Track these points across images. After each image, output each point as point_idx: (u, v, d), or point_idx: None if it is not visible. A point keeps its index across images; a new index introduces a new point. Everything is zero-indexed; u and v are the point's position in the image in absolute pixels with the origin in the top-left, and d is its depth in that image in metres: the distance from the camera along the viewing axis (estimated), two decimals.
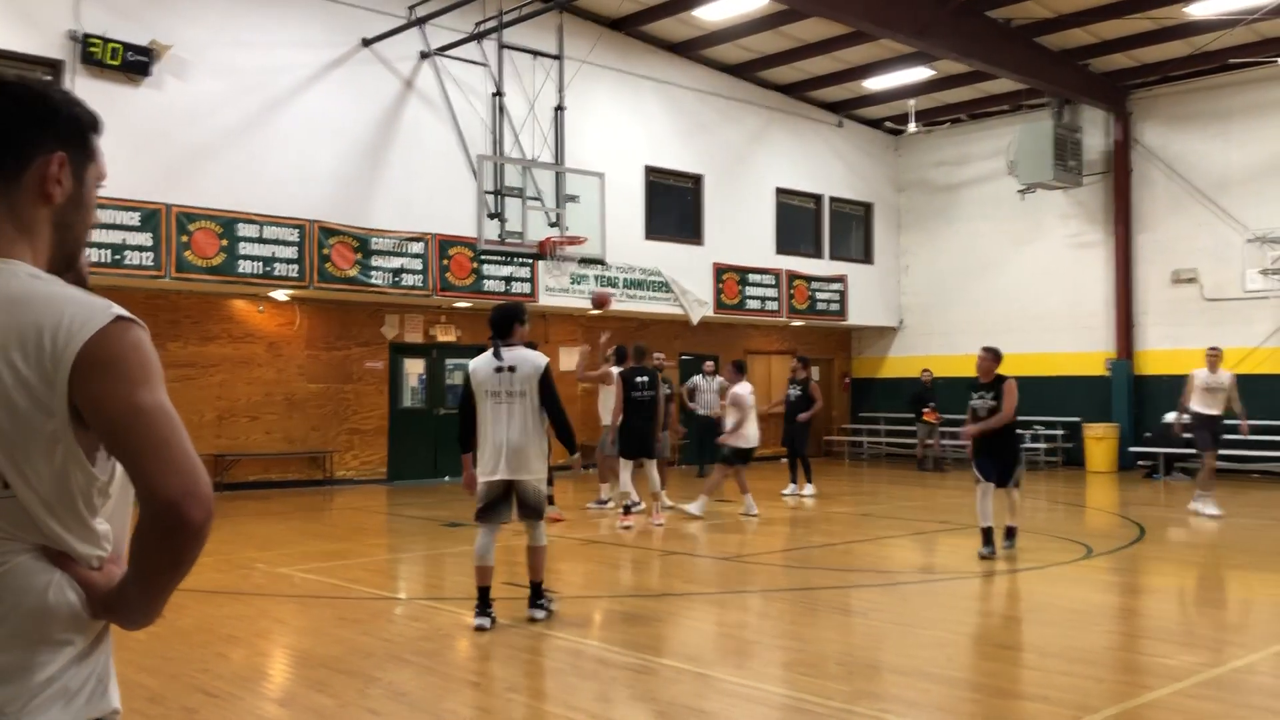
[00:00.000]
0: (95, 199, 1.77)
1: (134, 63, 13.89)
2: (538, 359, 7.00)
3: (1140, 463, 19.68)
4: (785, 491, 15.48)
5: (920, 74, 20.30)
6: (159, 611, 1.61)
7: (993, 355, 9.97)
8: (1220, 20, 16.90)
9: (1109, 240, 20.80)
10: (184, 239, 14.30)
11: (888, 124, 23.62)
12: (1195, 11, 16.83)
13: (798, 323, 22.67)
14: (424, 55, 16.58)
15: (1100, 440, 20.14)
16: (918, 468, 20.70)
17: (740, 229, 21.16)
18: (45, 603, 1.55)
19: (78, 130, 1.73)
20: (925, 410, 20.62)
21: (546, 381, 6.93)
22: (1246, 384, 19.19)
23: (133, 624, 1.64)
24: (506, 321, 7.03)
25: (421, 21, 16.05)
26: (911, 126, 22.33)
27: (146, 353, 1.59)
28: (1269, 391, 18.73)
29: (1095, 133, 21.00)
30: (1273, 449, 18.26)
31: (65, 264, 1.73)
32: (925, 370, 21.37)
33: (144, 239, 13.89)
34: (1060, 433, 21.16)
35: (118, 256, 13.70)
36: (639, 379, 12.67)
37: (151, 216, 13.99)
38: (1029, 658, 6.46)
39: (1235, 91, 19.35)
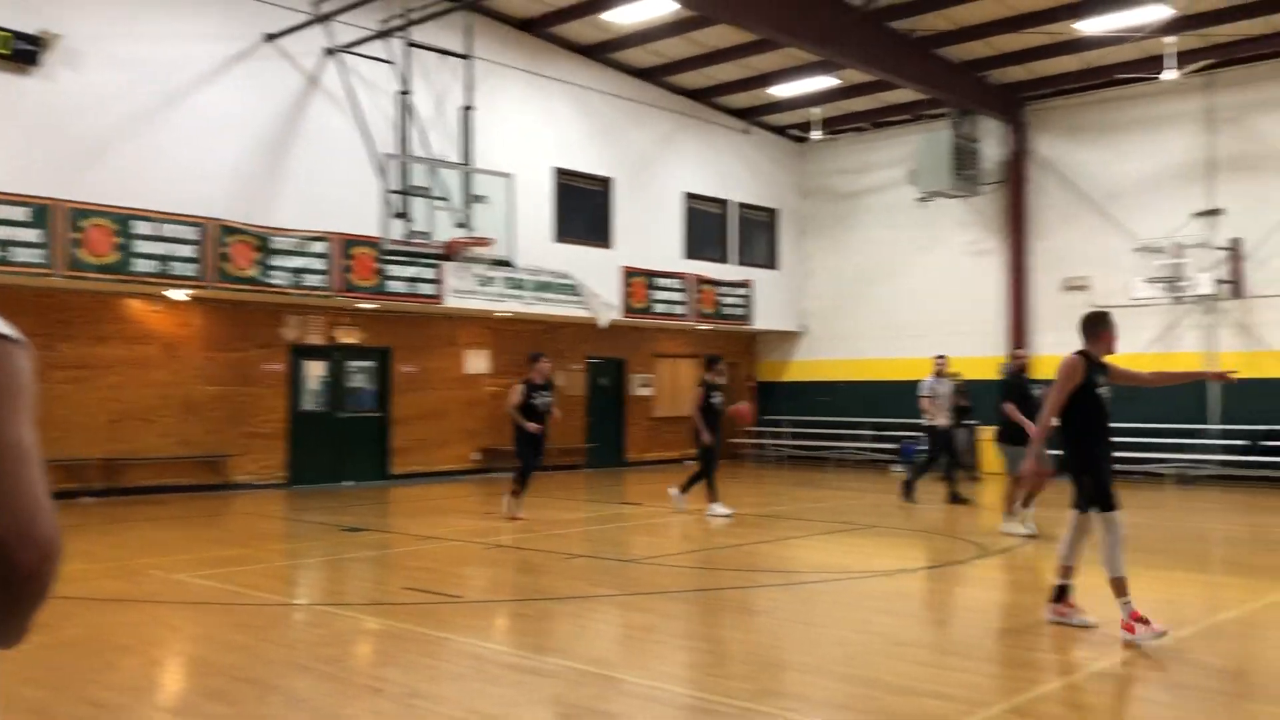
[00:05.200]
0: None
1: (22, 51, 13.41)
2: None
3: None
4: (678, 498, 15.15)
5: (825, 82, 20.64)
6: (17, 637, 1.46)
7: None
8: (1108, 37, 17.54)
9: (1005, 248, 21.38)
10: (76, 236, 13.82)
11: (793, 131, 23.95)
12: (1085, 28, 17.43)
13: (705, 326, 22.84)
14: (328, 52, 16.30)
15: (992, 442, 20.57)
16: None
17: (649, 233, 21.24)
18: None
19: None
20: None
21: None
22: (1136, 390, 19.93)
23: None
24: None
25: (325, 18, 15.78)
26: (816, 134, 22.69)
27: (14, 378, 1.46)
28: (1154, 397, 19.41)
29: (992, 143, 21.56)
30: (1158, 450, 18.94)
31: None
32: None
33: (33, 235, 13.39)
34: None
35: (3, 254, 13.18)
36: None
37: (42, 212, 13.50)
38: (926, 655, 6.61)
39: (1124, 105, 20.06)
